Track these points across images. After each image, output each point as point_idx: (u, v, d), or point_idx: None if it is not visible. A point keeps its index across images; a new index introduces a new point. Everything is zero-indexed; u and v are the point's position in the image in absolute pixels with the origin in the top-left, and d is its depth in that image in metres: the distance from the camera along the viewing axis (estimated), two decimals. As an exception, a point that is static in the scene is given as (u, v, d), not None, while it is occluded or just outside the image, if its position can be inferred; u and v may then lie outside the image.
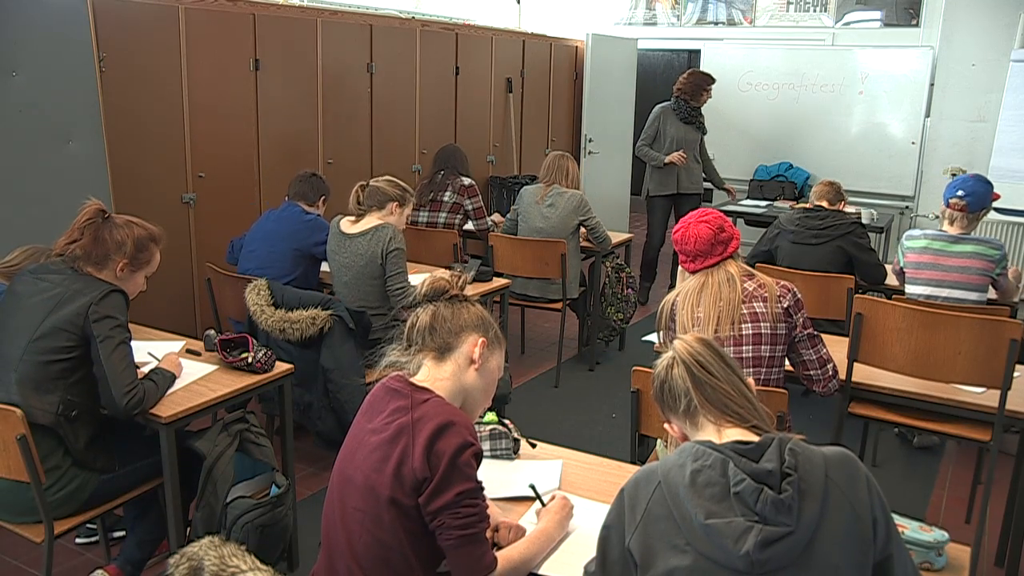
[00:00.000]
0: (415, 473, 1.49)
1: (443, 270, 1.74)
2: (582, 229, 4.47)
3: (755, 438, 1.33)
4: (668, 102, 5.79)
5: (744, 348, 2.23)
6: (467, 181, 4.71)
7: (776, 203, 6.17)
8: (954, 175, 3.48)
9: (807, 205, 3.92)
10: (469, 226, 4.77)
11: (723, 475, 1.23)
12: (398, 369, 1.68)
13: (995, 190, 3.39)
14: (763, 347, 2.24)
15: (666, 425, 1.48)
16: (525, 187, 4.61)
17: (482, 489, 1.54)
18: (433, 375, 1.64)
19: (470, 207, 4.67)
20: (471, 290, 3.64)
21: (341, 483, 1.61)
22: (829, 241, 3.71)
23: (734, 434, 1.36)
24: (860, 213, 5.44)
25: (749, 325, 2.23)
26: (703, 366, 1.40)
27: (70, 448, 2.23)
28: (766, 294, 2.24)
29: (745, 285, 2.25)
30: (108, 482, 2.32)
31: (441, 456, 1.48)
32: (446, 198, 4.66)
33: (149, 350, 2.67)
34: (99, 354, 2.19)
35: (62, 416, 2.20)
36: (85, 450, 2.26)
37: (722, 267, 2.26)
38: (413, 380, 1.63)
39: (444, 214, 4.67)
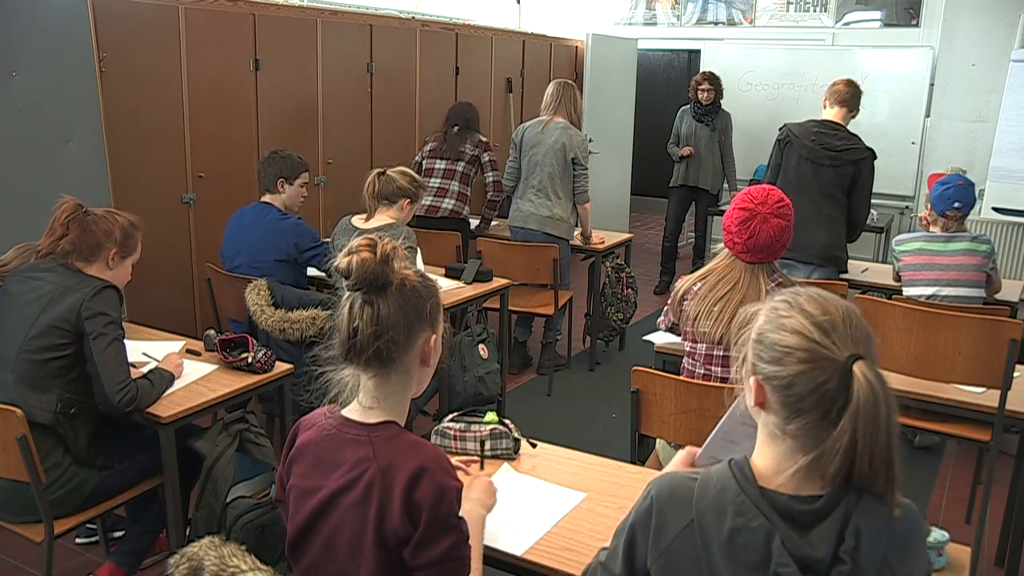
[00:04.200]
0: (396, 533, 1.35)
1: (361, 238, 1.40)
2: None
3: (818, 487, 1.14)
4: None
5: None
6: (483, 137, 4.86)
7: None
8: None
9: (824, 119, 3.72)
10: (489, 177, 4.79)
11: (765, 544, 1.11)
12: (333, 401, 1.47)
13: (984, 188, 3.39)
14: None
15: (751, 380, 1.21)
16: (522, 124, 4.62)
17: (467, 536, 1.42)
18: (380, 394, 1.43)
19: (486, 159, 4.77)
20: (470, 290, 3.71)
21: (316, 550, 1.47)
22: (843, 165, 3.63)
23: (803, 475, 1.15)
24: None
25: None
26: (876, 415, 1.15)
27: (71, 446, 2.24)
28: None
29: (767, 289, 2.19)
30: (108, 478, 2.33)
31: (421, 508, 1.34)
32: (466, 148, 4.74)
33: (144, 350, 2.67)
34: (92, 351, 2.20)
35: (61, 414, 2.20)
36: (86, 448, 2.27)
37: (756, 271, 2.19)
38: (357, 416, 1.44)
39: (463, 164, 4.74)
